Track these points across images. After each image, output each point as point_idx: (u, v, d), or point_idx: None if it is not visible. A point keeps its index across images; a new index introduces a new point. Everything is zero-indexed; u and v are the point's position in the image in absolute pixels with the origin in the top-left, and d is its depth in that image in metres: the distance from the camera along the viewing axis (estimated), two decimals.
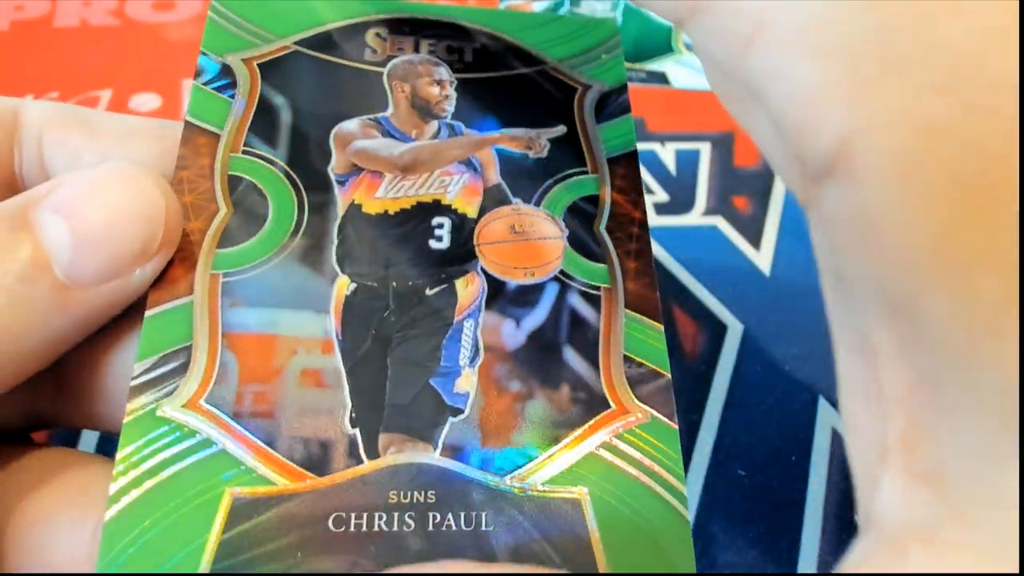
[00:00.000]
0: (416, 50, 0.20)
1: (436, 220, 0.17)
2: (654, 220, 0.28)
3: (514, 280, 0.17)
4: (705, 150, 0.30)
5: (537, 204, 0.18)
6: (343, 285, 0.16)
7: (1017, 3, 0.10)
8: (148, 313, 0.16)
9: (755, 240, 0.27)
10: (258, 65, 0.20)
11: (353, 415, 0.15)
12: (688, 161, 0.30)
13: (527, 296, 0.16)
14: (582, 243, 0.17)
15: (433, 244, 0.17)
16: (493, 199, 0.18)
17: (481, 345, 0.16)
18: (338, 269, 0.16)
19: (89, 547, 0.14)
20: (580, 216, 0.17)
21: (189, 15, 0.36)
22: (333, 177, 0.17)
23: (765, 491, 0.22)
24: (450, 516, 0.14)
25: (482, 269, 0.17)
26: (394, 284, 0.16)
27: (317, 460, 0.14)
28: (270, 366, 0.15)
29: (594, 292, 0.16)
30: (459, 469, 0.14)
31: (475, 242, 0.17)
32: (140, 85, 0.33)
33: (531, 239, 0.17)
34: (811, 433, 0.23)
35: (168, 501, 0.14)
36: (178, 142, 0.18)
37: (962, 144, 0.09)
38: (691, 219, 0.28)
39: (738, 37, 0.11)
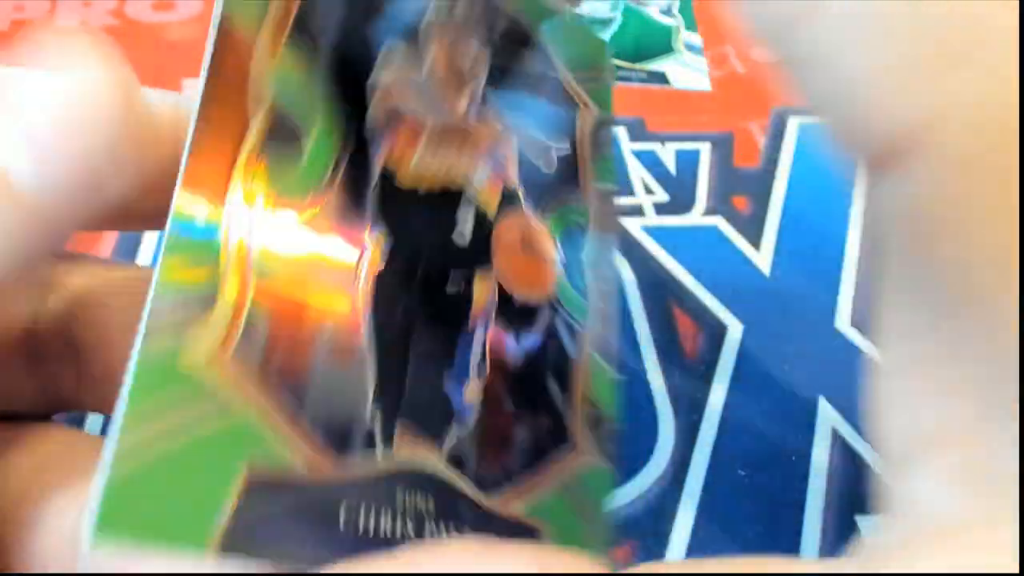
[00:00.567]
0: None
1: (461, 211, 0.16)
2: (654, 220, 0.28)
3: (518, 294, 0.16)
4: (705, 150, 0.30)
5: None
6: (375, 260, 0.15)
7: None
8: (168, 236, 0.14)
9: (755, 240, 0.27)
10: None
11: (375, 400, 0.14)
12: (688, 161, 0.30)
13: (527, 314, 0.16)
14: (571, 275, 0.17)
15: (456, 236, 0.16)
16: (509, 201, 0.17)
17: (487, 355, 0.15)
18: (369, 242, 0.15)
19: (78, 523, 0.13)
20: (570, 246, 0.17)
21: (189, 15, 0.36)
22: (369, 128, 0.16)
23: (765, 491, 0.22)
24: (442, 526, 0.14)
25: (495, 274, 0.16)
26: (422, 271, 0.15)
27: (337, 442, 0.13)
28: (299, 331, 0.14)
29: (577, 327, 0.16)
30: (456, 481, 0.14)
31: (493, 244, 0.16)
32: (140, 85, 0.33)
33: (537, 256, 0.17)
34: (811, 433, 0.23)
35: (178, 473, 0.12)
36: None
37: None
38: (691, 219, 0.28)
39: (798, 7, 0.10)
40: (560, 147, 0.18)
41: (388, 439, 0.14)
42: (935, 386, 0.10)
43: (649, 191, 0.29)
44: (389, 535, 0.13)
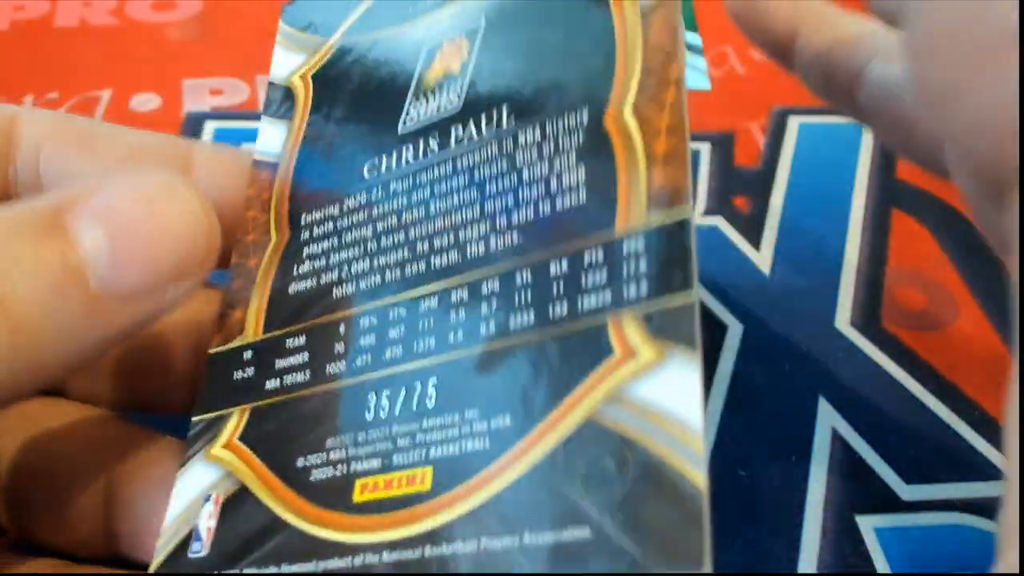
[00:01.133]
0: None
1: None
2: None
3: None
4: (705, 150, 0.30)
5: None
6: None
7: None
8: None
9: (755, 240, 0.27)
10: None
11: None
12: None
13: None
14: None
15: None
16: None
17: None
18: None
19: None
20: None
21: (189, 15, 0.36)
22: None
23: (765, 491, 0.22)
24: None
25: None
26: None
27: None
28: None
29: None
30: None
31: None
32: (140, 85, 0.33)
33: None
34: (811, 433, 0.23)
35: None
36: (189, 162, 0.17)
37: None
38: None
39: None
40: None
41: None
42: None
43: None
44: None
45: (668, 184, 0.13)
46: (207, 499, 0.14)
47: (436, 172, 0.15)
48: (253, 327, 0.16)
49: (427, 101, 0.16)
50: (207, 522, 0.14)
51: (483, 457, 0.12)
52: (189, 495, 0.15)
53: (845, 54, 0.19)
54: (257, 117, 0.20)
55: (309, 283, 0.16)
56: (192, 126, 0.31)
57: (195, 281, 0.14)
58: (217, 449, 0.15)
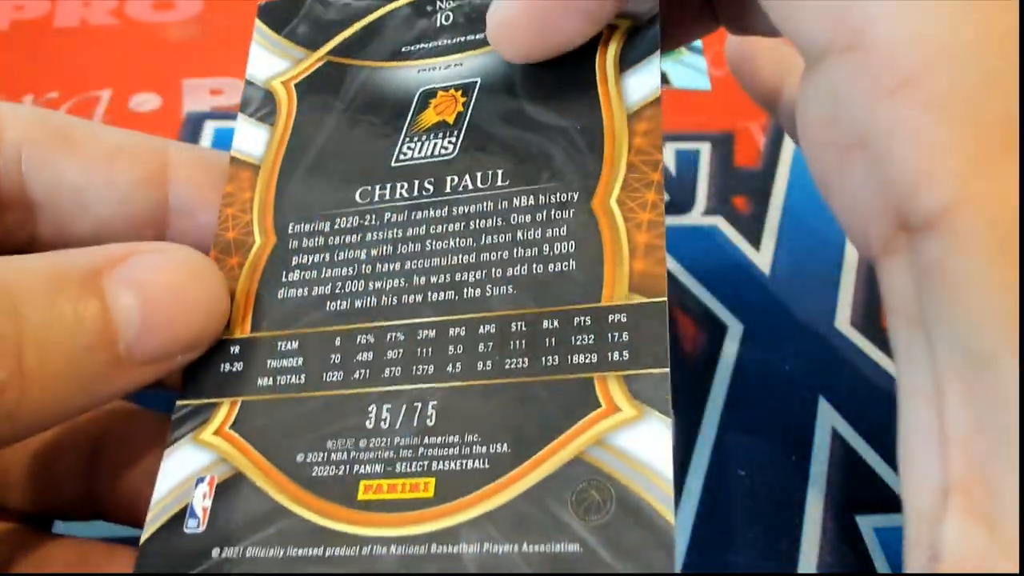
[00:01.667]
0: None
1: None
2: None
3: None
4: (705, 150, 0.30)
5: None
6: None
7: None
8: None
9: (755, 240, 0.27)
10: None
11: None
12: (688, 161, 0.30)
13: None
14: None
15: None
16: None
17: None
18: None
19: None
20: None
21: (189, 15, 0.36)
22: None
23: (765, 491, 0.22)
24: None
25: None
26: None
27: None
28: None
29: None
30: None
31: None
32: (140, 85, 0.33)
33: None
34: (811, 433, 0.23)
35: None
36: (164, 162, 0.18)
37: None
38: (691, 219, 0.28)
39: (883, 84, 0.12)
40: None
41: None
42: (951, 438, 0.11)
43: None
44: None
45: (648, 272, 0.15)
46: (201, 480, 0.15)
47: (432, 213, 0.16)
48: (240, 324, 0.16)
49: (421, 142, 0.17)
50: (203, 501, 0.15)
51: (484, 475, 0.14)
52: (180, 475, 0.15)
53: None
54: None
55: (299, 292, 0.16)
56: (192, 126, 0.31)
57: (204, 350, 0.16)
58: (208, 435, 0.15)
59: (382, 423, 0.15)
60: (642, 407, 0.13)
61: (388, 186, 0.17)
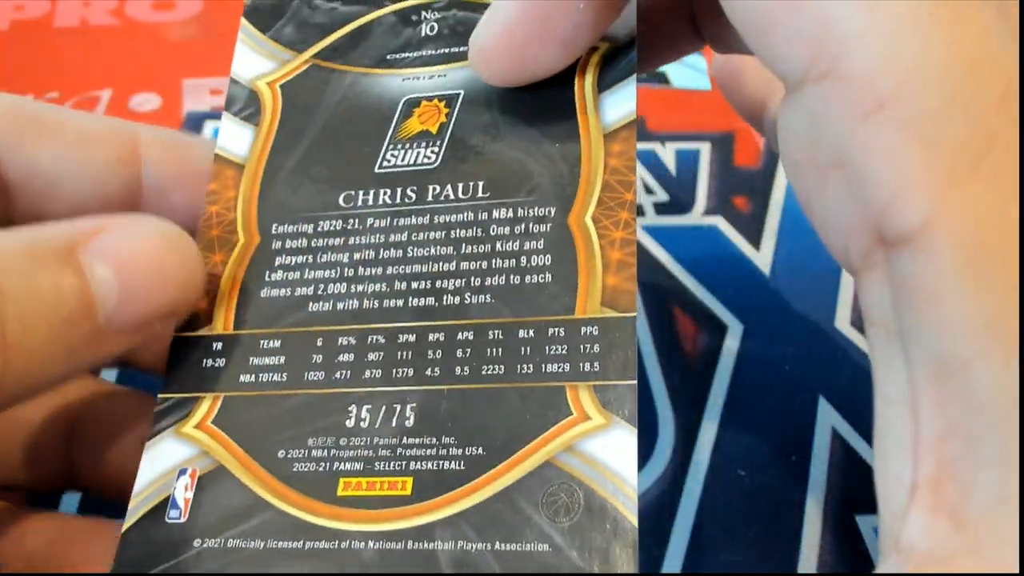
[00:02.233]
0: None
1: None
2: (654, 220, 0.28)
3: None
4: (705, 150, 0.30)
5: None
6: None
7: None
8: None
9: (755, 240, 0.27)
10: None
11: None
12: (688, 161, 0.30)
13: None
14: None
15: None
16: None
17: None
18: None
19: None
20: None
21: (189, 15, 0.36)
22: None
23: (765, 491, 0.22)
24: None
25: None
26: None
27: None
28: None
29: None
30: None
31: None
32: (140, 85, 0.33)
33: None
34: (811, 433, 0.23)
35: None
36: (136, 148, 0.18)
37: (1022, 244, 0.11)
38: (691, 219, 0.28)
39: (858, 108, 0.12)
40: None
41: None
42: (923, 441, 0.12)
43: (649, 191, 0.29)
44: None
45: (619, 288, 0.15)
46: (183, 472, 0.15)
47: (414, 220, 0.17)
48: (223, 321, 0.17)
49: (404, 150, 0.18)
50: (184, 493, 0.15)
51: (459, 477, 0.14)
52: (161, 465, 0.16)
53: None
54: None
55: (282, 291, 0.17)
56: (192, 126, 0.31)
57: (181, 318, 0.16)
58: (189, 428, 0.16)
59: (362, 423, 0.15)
60: (610, 416, 0.14)
61: (372, 192, 0.17)
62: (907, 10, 0.12)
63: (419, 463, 0.14)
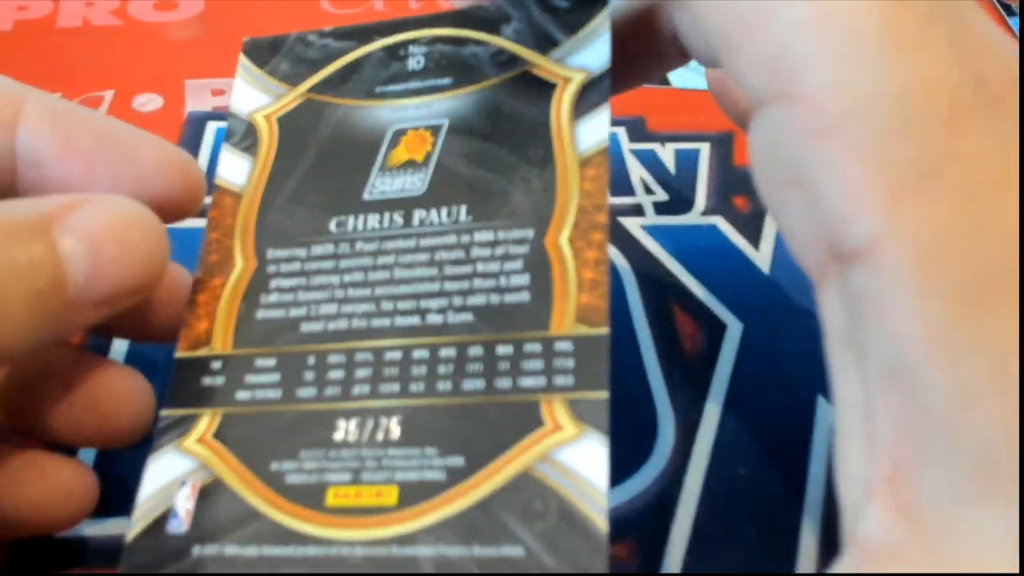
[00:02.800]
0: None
1: None
2: (654, 219, 0.28)
3: None
4: (705, 150, 0.30)
5: None
6: None
7: None
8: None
9: (755, 240, 0.27)
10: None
11: None
12: (688, 161, 0.30)
13: None
14: None
15: None
16: None
17: None
18: None
19: None
20: None
21: (191, 15, 0.36)
22: None
23: (765, 491, 0.22)
24: None
25: None
26: None
27: None
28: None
29: None
30: None
31: None
32: (142, 85, 0.33)
33: None
34: (811, 433, 0.23)
35: None
36: (17, 111, 0.18)
37: (966, 258, 0.12)
38: (690, 219, 0.28)
39: (812, 129, 0.13)
40: None
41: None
42: (878, 442, 0.13)
43: (649, 191, 0.29)
44: None
45: (592, 305, 0.16)
46: (183, 484, 0.16)
47: (400, 244, 0.18)
48: (221, 341, 0.18)
49: (392, 177, 0.19)
50: (185, 504, 0.16)
51: (440, 485, 0.15)
52: (164, 478, 0.16)
53: None
54: None
55: (277, 313, 0.18)
56: (194, 126, 0.32)
57: (148, 294, 0.17)
58: (190, 443, 0.17)
59: (350, 436, 0.16)
60: (583, 427, 0.15)
61: (361, 217, 0.18)
62: (858, 36, 0.13)
63: (404, 473, 0.15)
